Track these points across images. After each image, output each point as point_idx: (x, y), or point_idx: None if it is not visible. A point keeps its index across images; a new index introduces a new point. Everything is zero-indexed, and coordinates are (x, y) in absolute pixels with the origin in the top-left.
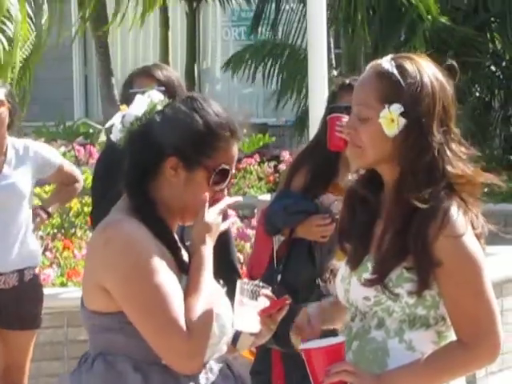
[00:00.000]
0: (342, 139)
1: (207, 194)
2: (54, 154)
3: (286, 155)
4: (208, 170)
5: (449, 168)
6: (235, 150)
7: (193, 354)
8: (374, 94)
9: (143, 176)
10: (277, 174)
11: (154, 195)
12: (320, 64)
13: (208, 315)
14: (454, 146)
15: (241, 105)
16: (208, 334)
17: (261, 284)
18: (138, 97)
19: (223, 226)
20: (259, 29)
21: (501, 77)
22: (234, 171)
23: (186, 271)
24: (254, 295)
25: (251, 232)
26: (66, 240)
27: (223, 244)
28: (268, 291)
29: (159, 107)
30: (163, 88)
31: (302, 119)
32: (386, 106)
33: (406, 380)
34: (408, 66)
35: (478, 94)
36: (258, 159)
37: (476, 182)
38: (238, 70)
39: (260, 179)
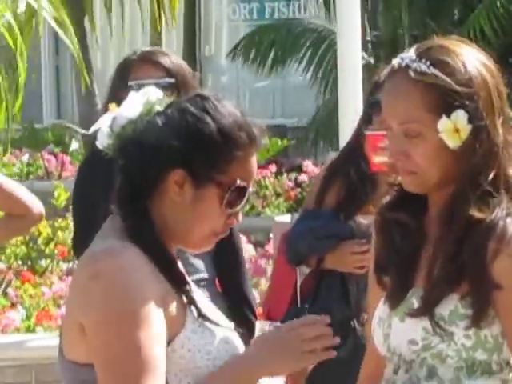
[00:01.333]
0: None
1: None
2: None
3: (309, 165)
4: (221, 187)
5: (510, 168)
6: (254, 161)
7: None
8: (421, 105)
9: (140, 191)
10: (298, 189)
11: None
12: (352, 49)
13: None
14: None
15: (253, 101)
16: None
17: None
18: (132, 95)
19: None
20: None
21: None
22: (251, 189)
23: (193, 305)
24: None
25: (267, 263)
26: (33, 274)
27: (234, 271)
28: None
29: (158, 108)
30: (173, 80)
31: (329, 118)
32: (444, 115)
33: None
34: (446, 58)
35: None
36: (275, 170)
37: None
38: (248, 59)
39: (278, 195)
